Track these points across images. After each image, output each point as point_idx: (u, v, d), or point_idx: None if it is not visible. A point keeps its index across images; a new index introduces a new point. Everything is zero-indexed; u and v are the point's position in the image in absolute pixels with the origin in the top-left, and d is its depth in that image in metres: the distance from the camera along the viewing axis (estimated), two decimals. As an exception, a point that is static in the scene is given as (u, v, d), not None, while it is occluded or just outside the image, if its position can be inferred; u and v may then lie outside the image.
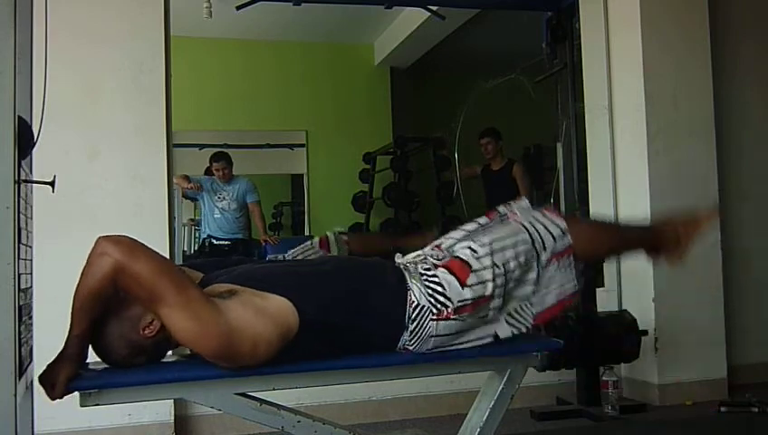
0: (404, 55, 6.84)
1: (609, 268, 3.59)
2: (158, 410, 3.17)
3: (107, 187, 3.25)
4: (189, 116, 6.08)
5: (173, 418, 3.21)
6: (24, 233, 1.74)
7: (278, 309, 1.69)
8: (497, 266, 1.82)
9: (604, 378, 3.37)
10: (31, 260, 1.96)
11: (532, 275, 1.87)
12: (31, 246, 1.97)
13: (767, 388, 3.66)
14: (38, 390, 1.71)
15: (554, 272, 1.89)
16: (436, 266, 1.84)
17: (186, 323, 1.60)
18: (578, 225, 1.99)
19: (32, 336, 1.97)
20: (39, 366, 1.70)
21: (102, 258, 1.57)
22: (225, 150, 6.04)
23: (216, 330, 1.61)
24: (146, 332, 1.66)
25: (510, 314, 1.89)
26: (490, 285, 1.80)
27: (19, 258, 1.59)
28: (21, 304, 1.63)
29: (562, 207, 4.64)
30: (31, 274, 1.95)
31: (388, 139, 6.91)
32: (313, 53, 7.04)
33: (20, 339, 1.60)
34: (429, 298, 1.79)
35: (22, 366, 1.64)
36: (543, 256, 1.87)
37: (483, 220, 2.02)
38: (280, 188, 7.75)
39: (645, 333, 3.46)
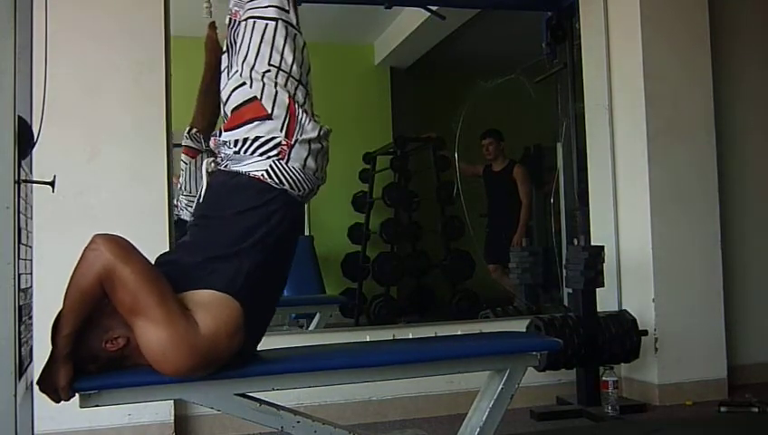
0: (404, 55, 6.82)
1: (609, 268, 3.59)
2: (158, 410, 3.17)
3: (107, 187, 3.25)
4: (190, 116, 6.07)
5: (173, 418, 3.21)
6: (23, 233, 1.74)
7: (213, 297, 1.68)
8: (268, 71, 1.80)
9: (604, 378, 3.37)
10: (31, 260, 1.96)
11: None
12: (31, 246, 1.97)
13: (767, 388, 3.66)
14: (38, 390, 1.71)
15: None
16: (235, 130, 1.80)
17: (162, 339, 1.59)
18: None
19: (32, 336, 1.97)
20: (39, 366, 1.70)
21: (94, 255, 1.58)
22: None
23: (194, 346, 1.61)
24: (107, 345, 1.66)
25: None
26: (280, 89, 1.80)
27: (19, 258, 1.59)
28: (21, 304, 1.63)
29: (562, 208, 4.66)
30: (31, 274, 1.95)
31: (388, 139, 6.90)
32: (313, 52, 6.97)
33: (20, 339, 1.60)
34: (262, 155, 1.78)
35: (22, 366, 1.64)
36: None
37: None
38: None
39: (645, 333, 3.46)
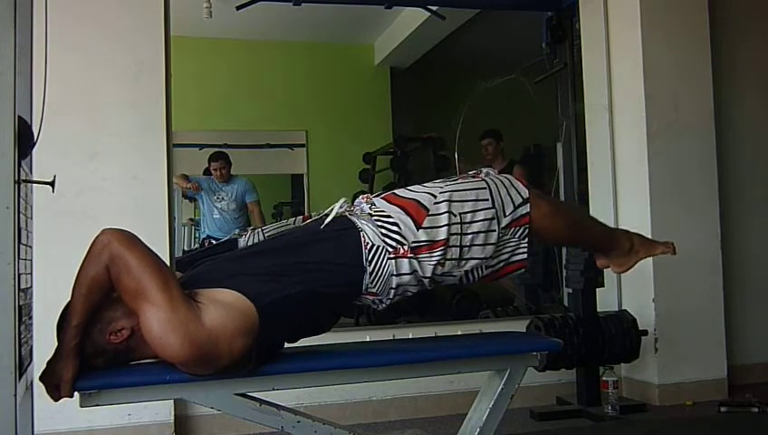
0: (404, 55, 6.83)
1: (609, 268, 3.59)
2: (158, 410, 3.17)
3: (107, 187, 3.25)
4: (189, 116, 6.07)
5: (173, 418, 3.21)
6: (23, 233, 1.74)
7: (236, 299, 1.68)
8: (453, 215, 1.81)
9: (604, 378, 3.37)
10: (31, 260, 1.96)
11: (494, 237, 1.85)
12: (31, 246, 1.97)
13: (767, 388, 3.66)
14: (38, 390, 1.71)
15: (509, 238, 1.88)
16: (390, 206, 1.83)
17: (163, 321, 1.60)
18: (541, 199, 1.96)
19: (32, 336, 1.96)
20: (39, 366, 1.70)
21: (102, 245, 1.62)
22: (223, 150, 6.03)
23: (192, 333, 1.61)
24: (111, 337, 1.66)
25: (467, 272, 1.87)
26: (444, 229, 1.80)
27: (19, 258, 1.59)
28: (21, 304, 1.63)
29: (562, 207, 4.65)
30: (31, 274, 1.95)
31: (388, 139, 6.90)
32: (314, 53, 7.03)
33: (20, 339, 1.60)
34: (384, 238, 1.78)
35: (22, 366, 1.64)
36: (504, 221, 1.86)
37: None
38: (280, 188, 7.74)
39: (645, 333, 3.46)
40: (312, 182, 7.27)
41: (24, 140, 1.69)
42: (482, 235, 1.83)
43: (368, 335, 2.83)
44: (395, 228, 1.79)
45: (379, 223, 1.81)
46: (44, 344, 1.72)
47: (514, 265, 1.90)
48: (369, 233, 1.79)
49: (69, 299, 1.64)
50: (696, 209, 3.71)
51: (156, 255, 1.68)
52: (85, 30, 3.27)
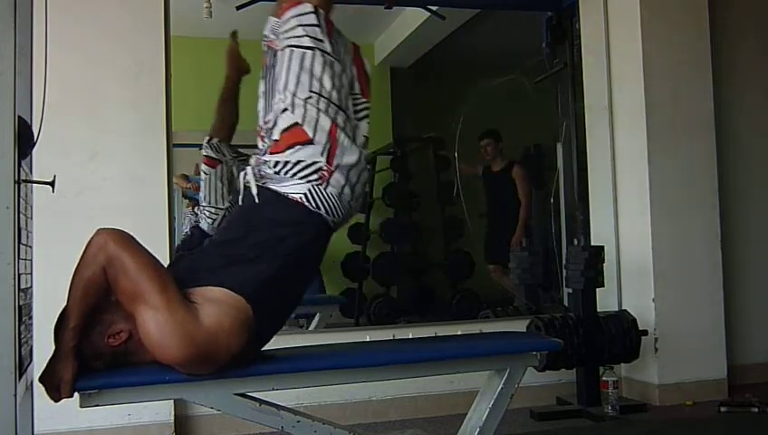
0: (404, 55, 6.82)
1: (609, 268, 3.59)
2: (158, 410, 3.17)
3: (107, 187, 3.25)
4: (189, 116, 6.06)
5: (173, 418, 3.21)
6: (24, 233, 1.74)
7: (225, 296, 1.69)
8: (309, 96, 1.84)
9: (604, 378, 3.37)
10: (31, 260, 1.96)
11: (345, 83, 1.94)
12: (31, 246, 1.97)
13: (767, 388, 3.66)
14: (38, 390, 1.71)
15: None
16: (282, 154, 1.83)
17: (161, 324, 1.61)
18: None
19: (32, 336, 1.97)
20: (39, 366, 1.70)
21: (98, 246, 1.62)
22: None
23: (192, 334, 1.62)
24: (110, 340, 1.67)
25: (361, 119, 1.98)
26: (324, 118, 1.83)
27: (19, 258, 1.59)
28: (21, 304, 1.63)
29: (562, 208, 4.66)
30: (31, 274, 1.95)
31: (388, 139, 6.90)
32: (313, 52, 7.04)
33: (20, 339, 1.60)
34: (307, 181, 1.80)
35: (22, 366, 1.64)
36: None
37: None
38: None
39: (645, 333, 3.46)
40: (311, 182, 7.26)
41: (24, 140, 1.69)
42: (336, 82, 1.89)
43: (368, 335, 2.82)
44: (304, 166, 1.81)
45: (291, 174, 1.82)
46: (44, 344, 1.72)
47: None
48: (293, 189, 1.81)
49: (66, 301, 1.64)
50: (696, 209, 3.70)
51: (152, 255, 1.68)
52: (85, 30, 3.27)
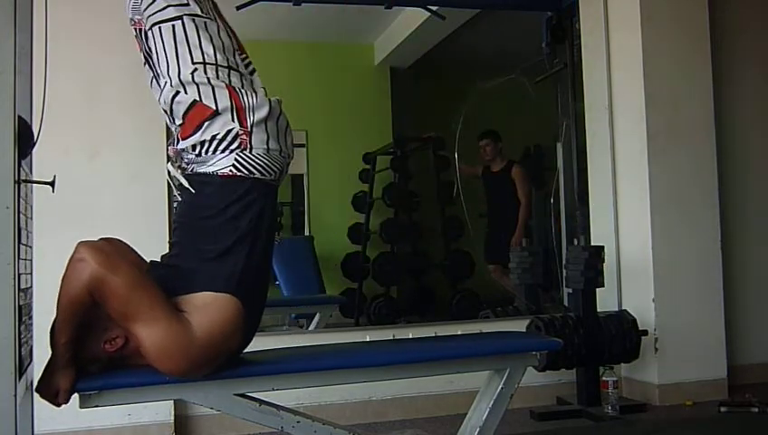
0: (404, 55, 6.82)
1: (609, 268, 3.59)
2: (158, 410, 3.17)
3: (107, 187, 3.25)
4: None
5: (173, 418, 3.21)
6: (23, 233, 1.74)
7: (212, 299, 1.68)
8: (195, 70, 1.76)
9: (604, 378, 3.37)
10: (31, 260, 1.96)
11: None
12: (31, 246, 1.97)
13: (767, 388, 3.66)
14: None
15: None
16: (195, 135, 1.76)
17: (156, 341, 1.60)
18: None
19: (32, 336, 1.97)
20: (39, 366, 1.70)
21: (81, 266, 1.58)
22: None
23: (188, 347, 1.62)
24: (106, 346, 1.66)
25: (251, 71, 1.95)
26: (222, 89, 1.76)
27: (19, 258, 1.59)
28: (21, 304, 1.63)
29: (562, 208, 4.65)
30: (31, 274, 1.95)
31: (388, 139, 6.90)
32: (313, 53, 7.03)
33: (20, 339, 1.60)
34: (229, 154, 1.74)
35: (22, 366, 1.64)
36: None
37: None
38: (280, 188, 7.74)
39: (645, 333, 3.46)
40: (311, 182, 7.27)
41: (24, 140, 1.69)
42: (217, 42, 1.83)
43: (368, 335, 2.82)
44: (221, 138, 1.75)
45: (212, 150, 1.75)
46: (44, 344, 1.71)
47: None
48: (221, 163, 1.74)
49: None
50: (696, 209, 3.70)
51: (137, 271, 1.65)
52: (85, 30, 3.27)
